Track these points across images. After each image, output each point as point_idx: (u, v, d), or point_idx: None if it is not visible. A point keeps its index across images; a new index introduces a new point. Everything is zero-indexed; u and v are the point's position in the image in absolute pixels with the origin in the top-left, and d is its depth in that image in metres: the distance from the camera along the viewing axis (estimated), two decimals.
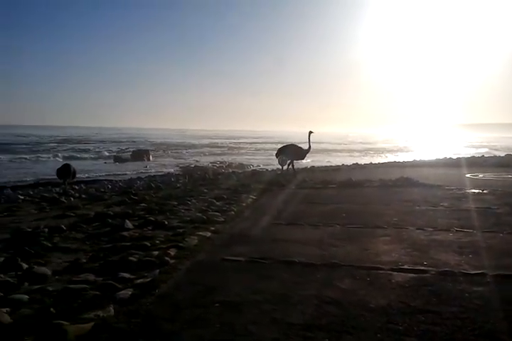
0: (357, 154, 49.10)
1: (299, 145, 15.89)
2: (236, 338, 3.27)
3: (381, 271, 4.81)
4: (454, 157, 26.07)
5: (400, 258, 5.32)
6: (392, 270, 4.84)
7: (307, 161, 29.35)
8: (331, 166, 23.69)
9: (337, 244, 5.97)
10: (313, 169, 20.94)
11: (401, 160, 27.51)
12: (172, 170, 26.90)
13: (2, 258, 5.17)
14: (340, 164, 27.61)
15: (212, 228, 6.86)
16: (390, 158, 40.09)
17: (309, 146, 15.13)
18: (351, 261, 5.20)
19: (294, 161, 15.73)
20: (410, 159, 27.88)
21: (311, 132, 15.16)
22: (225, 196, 10.27)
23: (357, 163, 24.74)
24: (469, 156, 27.16)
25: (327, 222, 7.44)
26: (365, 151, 55.08)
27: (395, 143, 73.17)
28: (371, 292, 4.22)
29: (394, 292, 4.21)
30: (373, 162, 27.34)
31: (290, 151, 15.36)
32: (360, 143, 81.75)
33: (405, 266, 4.96)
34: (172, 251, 5.44)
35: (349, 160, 31.46)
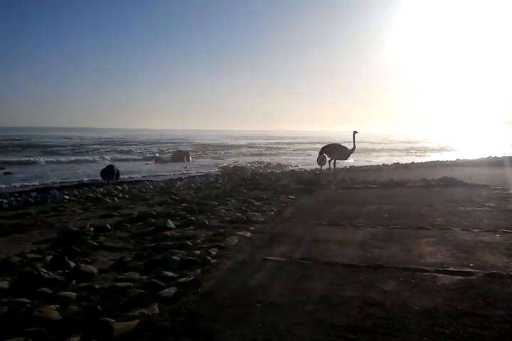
0: (398, 153, 48.01)
1: (343, 144, 15.68)
2: (278, 339, 3.26)
3: (426, 273, 4.69)
4: (499, 156, 25.13)
5: (445, 259, 5.17)
6: (438, 272, 4.72)
7: (348, 161, 29.08)
8: (372, 166, 23.28)
9: (380, 245, 5.87)
10: (353, 169, 20.67)
11: (444, 160, 26.76)
12: (211, 171, 27.13)
13: (50, 257, 5.37)
14: (381, 163, 27.12)
15: (252, 228, 6.88)
16: (432, 157, 39.05)
17: (354, 146, 14.90)
18: (395, 262, 5.10)
19: (338, 160, 15.52)
20: (453, 158, 27.08)
21: (355, 132, 14.95)
22: (264, 196, 10.28)
23: (398, 163, 24.22)
24: None
25: (369, 222, 7.32)
26: (407, 150, 53.83)
27: (436, 142, 71.08)
28: (416, 294, 4.12)
29: (439, 294, 4.10)
30: (415, 161, 26.66)
31: (334, 150, 15.20)
32: (401, 142, 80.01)
33: (451, 268, 4.82)
34: (213, 251, 5.49)
35: (390, 160, 30.84)
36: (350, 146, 15.19)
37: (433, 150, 51.69)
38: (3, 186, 19.76)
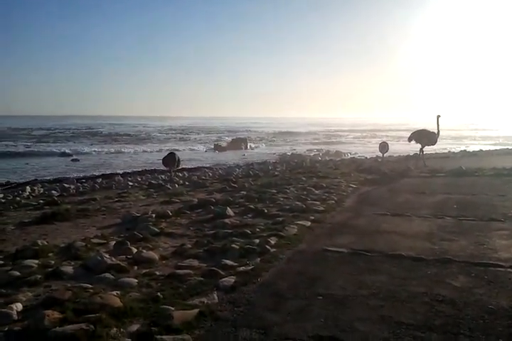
0: (465, 141, 45.74)
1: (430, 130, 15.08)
2: (341, 334, 3.10)
3: (500, 269, 4.35)
4: None
5: None
6: None
7: (408, 147, 28.02)
8: (438, 153, 22.23)
9: (449, 238, 5.53)
10: (417, 156, 19.83)
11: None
12: (269, 158, 27.05)
13: (113, 242, 5.49)
14: (447, 151, 25.90)
15: (312, 217, 6.71)
16: (502, 144, 36.81)
17: (438, 131, 14.37)
18: (466, 256, 4.77)
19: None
20: None
21: (439, 116, 14.36)
22: (323, 184, 10.05)
23: (465, 150, 23.01)
24: None
25: (437, 213, 6.94)
26: (471, 137, 51.12)
27: (505, 129, 66.72)
28: (490, 291, 3.82)
29: None
30: (483, 149, 25.22)
31: (423, 136, 14.70)
32: (467, 129, 76.09)
33: None
34: (272, 240, 5.39)
35: (456, 147, 29.46)
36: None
37: (503, 138, 48.68)
38: (71, 172, 20.76)
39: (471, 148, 26.18)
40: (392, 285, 4.01)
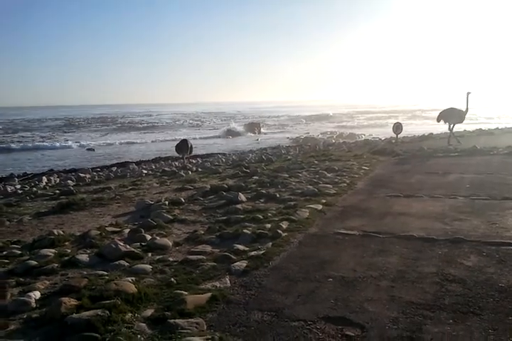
0: (481, 119, 44.91)
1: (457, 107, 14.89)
2: (351, 315, 3.15)
3: None
4: None
5: None
6: None
7: (422, 128, 27.67)
8: (453, 132, 21.89)
9: (461, 218, 5.52)
10: (432, 136, 19.62)
11: None
12: (283, 143, 27.02)
13: (128, 230, 5.59)
14: (462, 129, 25.50)
15: (324, 200, 6.73)
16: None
17: (467, 108, 14.19)
18: (477, 236, 4.77)
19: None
20: None
21: (469, 93, 14.17)
22: (336, 167, 10.03)
23: (481, 129, 22.59)
24: None
25: (449, 193, 6.91)
26: (487, 117, 50.13)
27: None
28: (501, 270, 3.83)
29: None
30: (500, 127, 24.75)
31: (452, 115, 14.54)
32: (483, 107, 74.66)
33: None
34: (284, 224, 5.44)
35: (471, 126, 28.98)
36: (464, 108, 14.40)
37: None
38: (87, 162, 21.03)
39: (486, 126, 25.67)
40: (403, 266, 4.04)
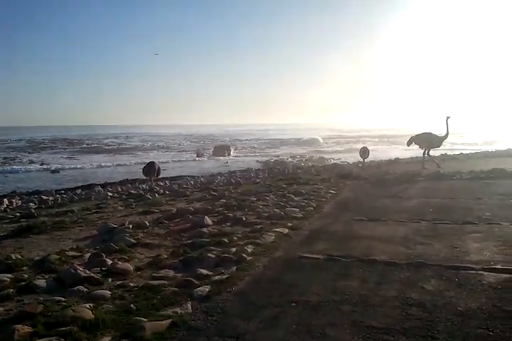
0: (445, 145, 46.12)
1: (434, 133, 15.12)
2: None
3: (471, 271, 4.43)
4: None
5: (492, 257, 4.88)
6: (484, 270, 4.45)
7: (386, 154, 28.34)
8: (417, 157, 22.50)
9: (423, 242, 5.61)
10: (398, 161, 20.08)
11: (494, 150, 25.60)
12: (252, 166, 27.11)
13: (89, 254, 5.44)
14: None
15: (290, 224, 6.74)
16: (481, 147, 37.46)
17: (447, 132, 14.38)
18: (438, 260, 4.85)
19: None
20: (504, 148, 25.84)
21: (448, 117, 14.41)
22: (303, 191, 10.10)
23: (446, 154, 23.29)
24: None
25: (412, 217, 7.04)
26: (452, 143, 51.66)
27: (480, 134, 67.55)
28: (460, 294, 3.89)
29: (485, 294, 3.85)
30: (464, 152, 25.62)
31: (423, 140, 14.81)
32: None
33: (498, 266, 4.54)
34: (249, 248, 5.41)
35: (436, 152, 29.87)
36: (443, 133, 14.55)
37: (482, 142, 49.42)
38: (51, 184, 20.52)
39: (451, 152, 26.51)
40: (365, 290, 4.05)
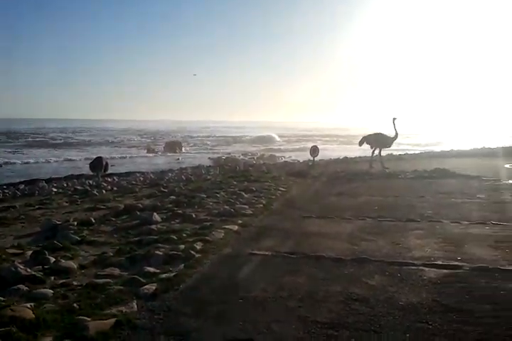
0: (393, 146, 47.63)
1: (384, 133, 15.41)
2: (258, 336, 3.17)
3: (413, 267, 4.62)
4: (493, 147, 25.03)
5: (432, 253, 5.11)
6: (425, 265, 4.65)
7: (336, 153, 28.99)
8: (366, 157, 23.14)
9: (368, 238, 5.79)
10: (345, 160, 20.57)
11: (438, 150, 26.72)
12: (204, 162, 26.94)
13: (30, 252, 5.23)
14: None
15: (240, 221, 6.77)
16: (426, 148, 39.02)
17: (396, 133, 14.75)
18: (382, 256, 5.02)
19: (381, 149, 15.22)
20: (447, 149, 27.04)
21: (394, 118, 14.75)
22: (254, 188, 10.16)
23: (392, 154, 24.12)
24: (510, 146, 26.01)
25: (358, 215, 7.24)
26: (399, 143, 53.48)
27: (429, 134, 70.47)
28: (401, 289, 4.04)
29: (426, 289, 4.03)
30: (409, 152, 26.59)
31: (375, 140, 15.08)
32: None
33: (438, 262, 4.76)
34: (198, 245, 5.38)
35: (383, 152, 30.82)
36: (392, 134, 14.88)
37: (428, 143, 51.45)
38: None
39: (397, 152, 27.44)
40: (311, 285, 4.14)
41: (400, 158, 21.13)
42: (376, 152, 15.42)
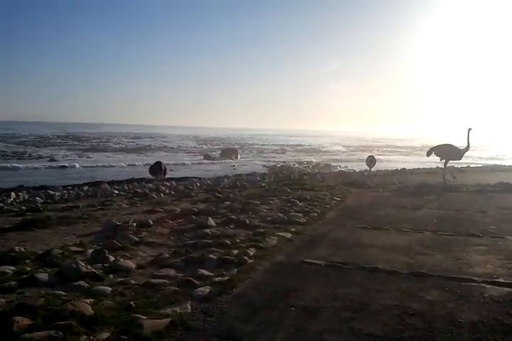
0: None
1: (455, 145, 14.78)
2: None
3: (473, 284, 4.41)
4: None
5: (494, 270, 4.85)
6: (486, 283, 4.42)
7: (392, 164, 28.29)
8: (425, 168, 22.45)
9: (426, 252, 5.59)
10: (404, 171, 20.04)
11: (503, 164, 25.47)
12: (259, 170, 27.16)
13: (91, 250, 5.47)
14: (435, 167, 26.13)
15: (293, 229, 6.75)
16: (488, 161, 37.27)
17: (468, 145, 13.80)
18: (440, 271, 4.83)
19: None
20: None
21: (470, 129, 14.09)
22: (308, 197, 10.11)
23: (453, 166, 23.22)
24: None
25: (416, 227, 7.01)
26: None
27: (491, 146, 67.18)
28: (461, 305, 3.86)
29: (487, 307, 3.83)
30: (471, 165, 25.50)
31: (443, 151, 14.51)
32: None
33: (500, 279, 4.51)
34: (251, 251, 5.42)
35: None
36: (464, 146, 14.25)
37: (489, 155, 49.05)
38: (58, 180, 20.63)
39: (459, 165, 26.37)
40: (365, 297, 4.04)
41: (461, 170, 20.29)
42: (443, 162, 14.65)
